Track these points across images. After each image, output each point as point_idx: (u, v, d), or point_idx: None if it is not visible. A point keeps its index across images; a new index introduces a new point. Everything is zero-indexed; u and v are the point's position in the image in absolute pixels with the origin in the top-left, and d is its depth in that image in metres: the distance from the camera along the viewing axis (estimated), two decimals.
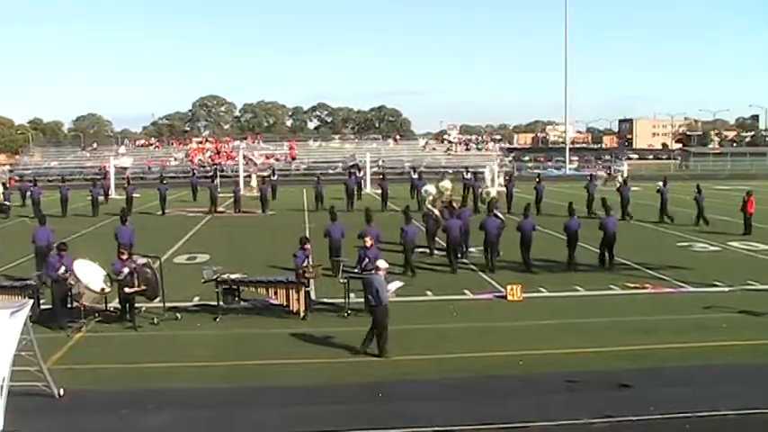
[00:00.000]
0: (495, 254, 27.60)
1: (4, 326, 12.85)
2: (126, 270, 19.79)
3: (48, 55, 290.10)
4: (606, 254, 27.80)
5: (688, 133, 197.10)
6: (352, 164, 78.27)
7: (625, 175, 64.21)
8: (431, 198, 36.30)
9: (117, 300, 20.43)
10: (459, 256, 28.37)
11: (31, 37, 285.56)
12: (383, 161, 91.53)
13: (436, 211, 31.70)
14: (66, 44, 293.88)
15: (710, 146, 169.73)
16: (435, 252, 30.05)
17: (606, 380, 14.93)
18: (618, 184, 46.36)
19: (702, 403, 13.44)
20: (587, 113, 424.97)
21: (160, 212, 50.04)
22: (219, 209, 51.39)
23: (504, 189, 47.58)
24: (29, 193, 51.64)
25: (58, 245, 21.00)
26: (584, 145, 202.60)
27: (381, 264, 18.03)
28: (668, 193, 43.16)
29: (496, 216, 29.06)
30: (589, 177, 51.12)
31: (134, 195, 51.13)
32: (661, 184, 43.94)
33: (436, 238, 30.54)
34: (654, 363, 16.23)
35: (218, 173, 64.18)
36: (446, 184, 40.03)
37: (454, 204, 33.80)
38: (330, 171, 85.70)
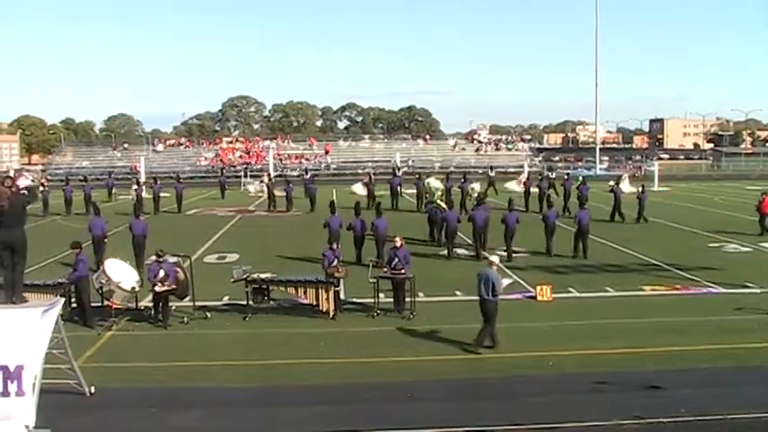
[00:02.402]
0: (484, 242, 30.03)
1: (36, 324, 12.93)
2: (162, 273, 19.91)
3: (80, 55, 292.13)
4: (581, 244, 29.67)
5: (720, 133, 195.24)
6: (395, 165, 78.63)
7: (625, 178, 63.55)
8: (438, 193, 36.96)
9: (148, 298, 20.55)
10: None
11: (63, 38, 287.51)
12: (413, 161, 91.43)
13: (443, 205, 33.72)
14: (98, 45, 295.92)
15: (742, 146, 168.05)
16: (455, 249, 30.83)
17: (637, 381, 14.83)
18: (610, 187, 45.75)
19: (734, 405, 13.32)
20: (618, 113, 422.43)
21: (177, 211, 50.22)
22: (250, 208, 51.68)
23: (537, 189, 47.43)
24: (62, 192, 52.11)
25: (71, 243, 21.02)
26: (614, 145, 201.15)
27: (494, 258, 18.42)
28: (621, 193, 43.21)
29: (483, 209, 31.32)
30: (616, 180, 50.48)
31: (161, 194, 51.32)
32: (613, 183, 45.10)
33: (458, 233, 31.32)
34: (685, 364, 16.11)
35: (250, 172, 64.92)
36: (436, 183, 42.14)
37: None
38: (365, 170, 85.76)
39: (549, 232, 30.64)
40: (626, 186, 54.15)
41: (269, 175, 62.40)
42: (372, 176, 55.78)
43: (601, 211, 40.93)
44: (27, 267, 15.52)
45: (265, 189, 54.55)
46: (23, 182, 47.76)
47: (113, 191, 60.07)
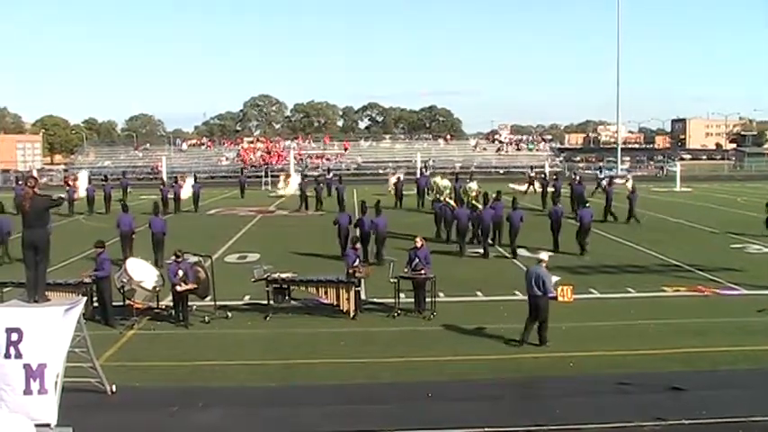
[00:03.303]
0: (464, 238, 31.19)
1: (59, 323, 13.01)
2: (181, 273, 19.99)
3: (102, 56, 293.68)
4: (581, 241, 30.67)
5: (742, 133, 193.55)
6: (423, 165, 78.77)
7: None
8: (447, 191, 37.40)
9: (169, 298, 20.63)
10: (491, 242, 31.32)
11: (85, 39, 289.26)
12: (433, 161, 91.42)
13: (452, 203, 35.16)
14: (120, 45, 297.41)
15: (766, 146, 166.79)
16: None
17: (658, 382, 14.77)
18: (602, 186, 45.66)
19: (755, 407, 13.26)
20: (639, 113, 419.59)
21: (193, 210, 50.59)
22: (270, 208, 51.92)
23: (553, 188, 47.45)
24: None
25: (95, 243, 21.13)
26: (636, 145, 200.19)
27: (543, 256, 18.43)
28: (613, 193, 42.91)
29: (470, 208, 33.52)
30: (608, 180, 50.33)
31: (185, 195, 51.65)
32: (605, 183, 45.54)
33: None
34: (706, 365, 16.02)
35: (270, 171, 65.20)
36: (444, 182, 42.45)
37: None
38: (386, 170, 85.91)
39: (556, 229, 31.92)
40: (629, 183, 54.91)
41: (302, 174, 62.70)
42: (401, 177, 56.10)
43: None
44: (49, 266, 15.63)
45: (298, 189, 54.70)
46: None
47: (129, 190, 60.59)
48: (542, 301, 17.65)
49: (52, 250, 14.99)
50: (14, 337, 12.73)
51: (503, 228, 31.74)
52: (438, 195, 39.67)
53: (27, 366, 12.66)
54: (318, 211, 48.31)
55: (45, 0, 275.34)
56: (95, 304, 20.32)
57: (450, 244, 32.09)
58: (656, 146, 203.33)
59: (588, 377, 15.46)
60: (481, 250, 30.62)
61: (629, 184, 55.07)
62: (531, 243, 30.67)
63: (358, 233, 28.34)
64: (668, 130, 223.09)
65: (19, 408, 12.32)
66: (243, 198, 60.94)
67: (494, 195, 33.04)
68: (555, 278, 19.27)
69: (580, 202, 34.79)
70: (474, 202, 35.49)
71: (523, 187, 55.56)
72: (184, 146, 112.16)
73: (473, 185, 39.54)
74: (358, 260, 21.20)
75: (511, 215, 30.83)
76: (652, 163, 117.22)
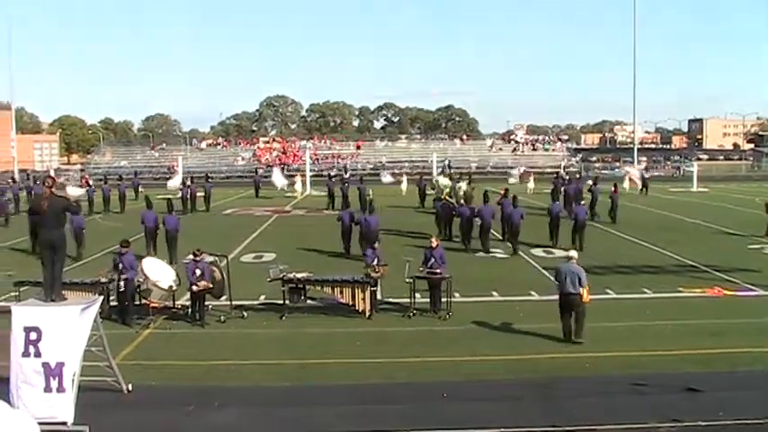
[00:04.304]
0: (468, 235, 32.38)
1: (76, 322, 13.08)
2: (199, 271, 20.03)
3: (119, 56, 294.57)
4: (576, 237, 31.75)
5: (760, 133, 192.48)
6: (446, 164, 78.96)
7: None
8: (447, 190, 37.97)
9: (185, 297, 20.68)
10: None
11: (101, 40, 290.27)
12: (449, 161, 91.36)
13: (453, 201, 35.98)
14: (135, 46, 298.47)
15: None
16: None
17: (674, 383, 14.70)
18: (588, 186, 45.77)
19: None
20: (656, 113, 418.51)
21: (205, 209, 50.97)
22: (286, 208, 52.05)
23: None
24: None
25: (121, 242, 21.24)
26: (652, 145, 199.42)
27: (573, 253, 18.65)
28: (599, 193, 43.29)
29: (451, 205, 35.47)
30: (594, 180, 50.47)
31: (198, 194, 51.94)
32: (591, 182, 45.61)
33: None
34: (723, 367, 15.92)
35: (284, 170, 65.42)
36: (444, 180, 42.92)
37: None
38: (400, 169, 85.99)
39: (555, 226, 33.21)
40: (626, 184, 58.91)
41: (329, 174, 62.82)
42: (423, 176, 56.38)
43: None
44: (66, 266, 15.68)
45: (326, 188, 54.79)
46: (74, 191, 48.74)
47: (140, 189, 61.05)
48: (578, 297, 17.82)
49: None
50: (33, 336, 12.83)
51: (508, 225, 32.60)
52: (439, 194, 40.01)
53: (46, 365, 12.76)
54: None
55: (61, 1, 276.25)
56: (112, 303, 20.41)
57: (453, 242, 32.85)
58: (672, 146, 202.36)
59: (604, 378, 15.40)
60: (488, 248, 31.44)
61: (626, 185, 56.05)
62: (531, 240, 32.19)
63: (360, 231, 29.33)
64: (685, 130, 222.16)
65: (38, 406, 12.40)
66: (257, 198, 61.18)
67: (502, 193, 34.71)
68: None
69: (574, 200, 36.42)
70: (447, 198, 36.96)
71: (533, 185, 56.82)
72: (203, 144, 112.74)
73: (462, 185, 40.12)
74: (376, 260, 21.23)
75: (511, 213, 31.86)
76: (669, 163, 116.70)
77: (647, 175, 63.68)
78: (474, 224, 32.25)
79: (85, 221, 33.39)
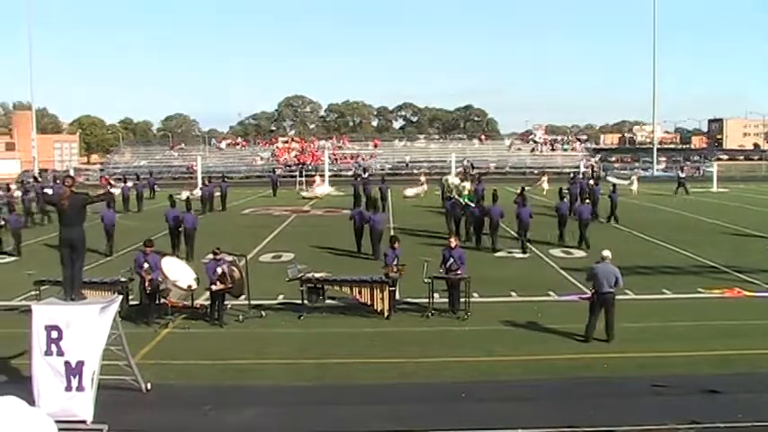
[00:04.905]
0: (479, 232, 33.30)
1: (95, 321, 13.15)
2: (219, 270, 20.08)
3: (138, 56, 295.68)
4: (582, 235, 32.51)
5: None
6: (469, 164, 79.03)
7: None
8: (458, 189, 38.20)
9: (204, 297, 20.72)
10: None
11: (121, 39, 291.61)
12: (468, 161, 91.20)
13: (463, 201, 36.38)
14: (155, 46, 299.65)
15: None
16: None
17: (693, 385, 14.64)
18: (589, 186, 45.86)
19: None
20: (676, 113, 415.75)
21: (221, 209, 51.23)
22: (305, 208, 52.19)
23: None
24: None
25: (145, 241, 21.38)
26: (672, 145, 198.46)
27: (607, 253, 18.50)
28: (599, 193, 43.94)
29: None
30: (594, 180, 50.68)
31: (215, 193, 52.17)
32: (591, 182, 46.61)
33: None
34: (743, 368, 15.82)
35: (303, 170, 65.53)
36: (454, 180, 43.38)
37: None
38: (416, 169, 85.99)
39: (562, 224, 33.86)
40: (635, 185, 60.97)
41: (355, 174, 62.91)
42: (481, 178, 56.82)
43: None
44: (94, 262, 15.76)
45: (352, 189, 54.94)
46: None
47: (155, 188, 62.17)
48: (610, 297, 17.87)
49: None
50: (54, 334, 12.93)
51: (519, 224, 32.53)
52: (449, 193, 40.13)
53: (67, 364, 12.84)
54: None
55: (80, 3, 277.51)
56: (131, 302, 20.50)
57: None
58: (692, 146, 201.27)
59: (622, 379, 15.35)
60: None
61: (635, 187, 56.35)
62: (538, 237, 32.76)
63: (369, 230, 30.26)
64: (705, 130, 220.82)
65: (58, 404, 12.48)
66: (275, 197, 61.41)
67: (518, 192, 35.71)
68: None
69: (578, 199, 37.12)
70: (457, 197, 37.69)
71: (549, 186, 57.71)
72: (223, 144, 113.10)
73: (466, 184, 40.38)
74: (396, 260, 21.24)
75: (520, 212, 32.16)
76: (688, 163, 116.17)
77: (682, 175, 63.42)
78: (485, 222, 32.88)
79: (116, 218, 34.19)
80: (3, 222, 33.06)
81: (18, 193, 48.35)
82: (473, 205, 34.77)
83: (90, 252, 30.94)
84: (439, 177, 57.63)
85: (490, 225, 32.35)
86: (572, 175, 61.07)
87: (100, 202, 15.96)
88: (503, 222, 32.94)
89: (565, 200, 36.12)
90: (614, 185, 45.41)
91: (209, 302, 20.54)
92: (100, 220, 31.66)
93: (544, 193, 55.82)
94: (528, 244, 31.66)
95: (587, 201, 36.05)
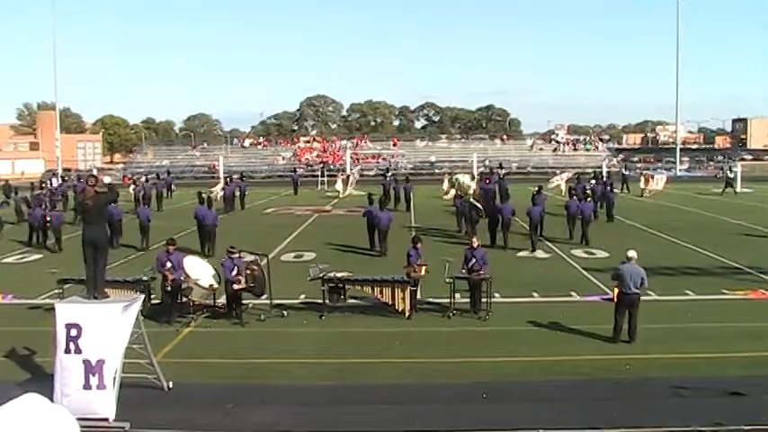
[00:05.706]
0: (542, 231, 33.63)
1: (117, 319, 13.21)
2: (236, 269, 20.13)
3: (160, 56, 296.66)
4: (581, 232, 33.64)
5: None
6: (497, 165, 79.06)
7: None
8: (472, 189, 38.38)
9: (225, 296, 20.78)
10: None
11: (144, 39, 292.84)
12: (490, 161, 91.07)
13: (473, 200, 36.49)
14: (178, 46, 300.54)
15: None
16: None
17: (717, 386, 14.52)
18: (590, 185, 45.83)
19: None
20: (699, 113, 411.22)
21: (240, 208, 51.87)
22: (327, 207, 52.32)
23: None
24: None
25: (167, 240, 21.49)
26: (695, 145, 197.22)
27: (633, 253, 18.43)
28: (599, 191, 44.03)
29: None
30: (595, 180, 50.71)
31: (236, 193, 52.54)
32: (593, 182, 46.96)
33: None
34: (766, 370, 15.68)
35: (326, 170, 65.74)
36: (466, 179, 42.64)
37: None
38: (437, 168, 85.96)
39: (571, 221, 34.59)
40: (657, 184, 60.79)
41: (384, 174, 63.01)
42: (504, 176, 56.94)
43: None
44: (129, 257, 15.82)
45: (382, 187, 55.08)
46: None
47: (172, 187, 62.70)
48: (637, 298, 17.81)
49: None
50: (74, 332, 12.99)
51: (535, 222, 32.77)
52: (460, 192, 40.12)
53: (86, 362, 12.90)
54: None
55: (105, 3, 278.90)
56: (153, 301, 20.59)
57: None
58: (715, 146, 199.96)
59: (644, 380, 15.27)
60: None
61: (659, 185, 56.29)
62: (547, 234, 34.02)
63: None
64: (729, 130, 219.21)
65: (78, 402, 12.54)
66: (296, 195, 61.75)
67: (535, 190, 36.18)
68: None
69: (581, 198, 36.93)
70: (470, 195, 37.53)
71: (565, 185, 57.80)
72: (247, 143, 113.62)
73: (472, 184, 40.46)
74: (419, 259, 21.23)
75: (531, 210, 32.80)
76: (712, 164, 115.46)
77: (731, 175, 63.34)
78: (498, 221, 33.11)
79: (151, 213, 35.31)
80: (48, 219, 33.63)
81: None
82: (478, 206, 35.36)
83: (125, 247, 31.66)
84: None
85: (502, 223, 32.66)
86: (593, 174, 60.77)
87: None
88: (517, 220, 33.49)
89: (575, 198, 36.40)
90: (611, 183, 45.92)
91: (226, 301, 20.60)
92: (135, 217, 32.15)
93: (562, 193, 55.70)
94: (539, 242, 32.16)
95: (589, 199, 36.69)
